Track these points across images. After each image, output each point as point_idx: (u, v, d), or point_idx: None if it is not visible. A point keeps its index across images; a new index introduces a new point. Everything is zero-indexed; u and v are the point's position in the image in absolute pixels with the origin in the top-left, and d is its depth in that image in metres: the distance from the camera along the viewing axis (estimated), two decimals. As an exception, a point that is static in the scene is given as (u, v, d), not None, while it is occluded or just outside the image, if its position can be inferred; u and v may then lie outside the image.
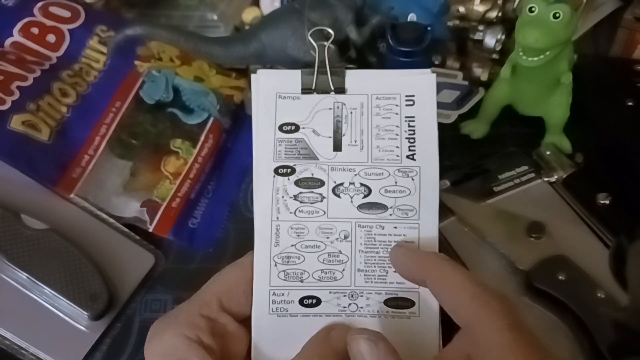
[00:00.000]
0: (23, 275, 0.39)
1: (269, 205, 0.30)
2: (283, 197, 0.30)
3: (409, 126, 0.30)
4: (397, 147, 0.30)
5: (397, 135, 0.30)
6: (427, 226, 0.30)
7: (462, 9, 0.54)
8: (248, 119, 0.54)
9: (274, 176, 0.30)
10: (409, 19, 0.51)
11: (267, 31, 0.48)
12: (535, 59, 0.43)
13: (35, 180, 0.43)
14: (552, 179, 0.46)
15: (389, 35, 0.46)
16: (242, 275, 0.29)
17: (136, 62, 0.50)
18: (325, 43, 0.31)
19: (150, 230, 0.45)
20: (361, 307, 0.29)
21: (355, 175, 0.30)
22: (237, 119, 0.53)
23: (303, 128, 0.30)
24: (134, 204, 0.46)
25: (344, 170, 0.30)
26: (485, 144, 0.50)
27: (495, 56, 0.54)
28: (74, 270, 0.40)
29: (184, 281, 0.44)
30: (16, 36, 0.48)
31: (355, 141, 0.30)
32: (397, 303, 0.29)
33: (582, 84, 0.47)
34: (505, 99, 0.49)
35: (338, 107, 0.31)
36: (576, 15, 0.42)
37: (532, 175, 0.46)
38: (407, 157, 0.30)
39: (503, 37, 0.53)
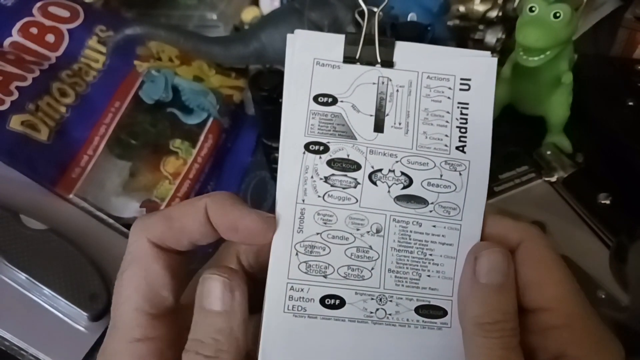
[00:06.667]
0: (22, 275, 0.39)
1: (295, 185, 0.26)
2: (312, 177, 0.26)
3: (462, 114, 0.27)
4: (447, 135, 0.27)
5: (447, 122, 0.27)
6: (469, 229, 0.26)
7: (462, 9, 0.53)
8: (248, 118, 0.54)
9: (304, 152, 0.26)
10: (409, 19, 0.51)
11: (267, 31, 0.48)
12: (536, 58, 0.43)
13: (35, 181, 0.43)
14: (553, 179, 0.46)
15: (389, 34, 0.46)
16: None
17: (135, 62, 0.50)
18: (376, 9, 0.27)
19: (150, 230, 0.45)
20: (390, 314, 0.26)
21: (397, 162, 0.26)
22: (236, 119, 0.53)
23: (341, 102, 0.27)
24: (133, 204, 0.46)
25: (384, 154, 0.26)
26: (486, 144, 0.50)
27: (495, 56, 0.54)
28: (74, 270, 0.40)
29: (184, 281, 0.44)
30: (15, 36, 0.48)
31: (400, 123, 0.27)
32: (429, 312, 0.26)
33: (583, 83, 0.47)
34: (505, 98, 0.49)
35: (383, 83, 0.27)
36: (576, 15, 0.42)
37: (533, 175, 0.46)
38: (457, 148, 0.27)
39: (503, 36, 0.53)
